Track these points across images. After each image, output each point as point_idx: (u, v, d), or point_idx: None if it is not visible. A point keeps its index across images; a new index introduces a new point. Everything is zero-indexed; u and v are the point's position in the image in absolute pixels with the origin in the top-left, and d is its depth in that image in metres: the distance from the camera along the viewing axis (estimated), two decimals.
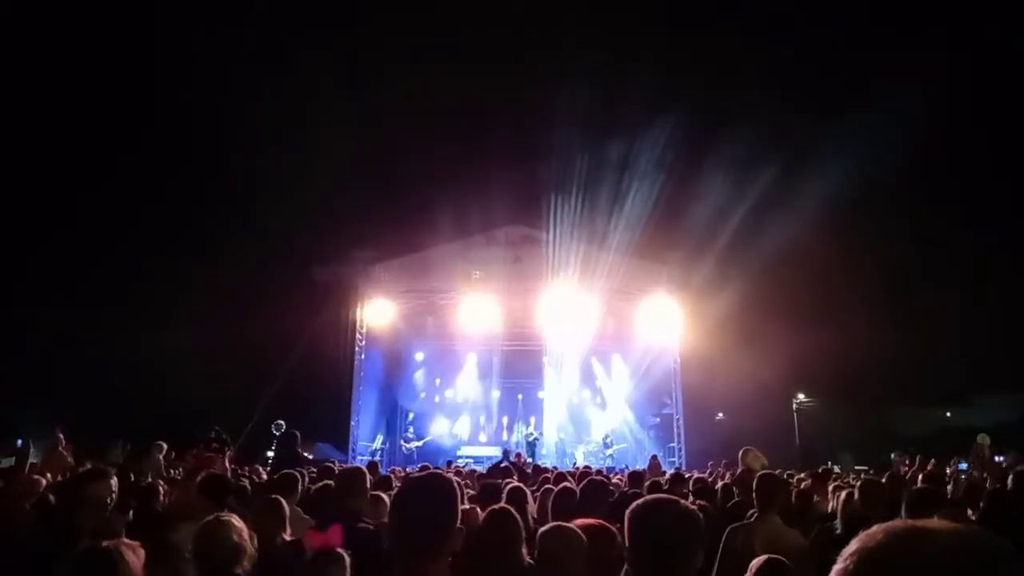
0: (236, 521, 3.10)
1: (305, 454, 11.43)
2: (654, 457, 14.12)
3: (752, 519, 4.25)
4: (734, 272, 20.01)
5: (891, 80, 21.43)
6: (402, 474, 10.19)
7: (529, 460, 16.89)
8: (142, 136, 22.62)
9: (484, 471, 10.86)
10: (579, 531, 2.99)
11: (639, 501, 2.29)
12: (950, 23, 20.65)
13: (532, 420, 22.63)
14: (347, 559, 2.95)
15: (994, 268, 23.48)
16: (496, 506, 3.64)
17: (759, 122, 20.15)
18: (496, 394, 23.19)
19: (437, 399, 24.20)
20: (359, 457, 19.61)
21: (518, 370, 23.13)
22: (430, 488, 2.13)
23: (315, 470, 8.53)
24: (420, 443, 22.03)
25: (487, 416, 23.38)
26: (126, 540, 2.81)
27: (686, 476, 8.77)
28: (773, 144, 20.59)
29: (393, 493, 3.38)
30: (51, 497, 4.63)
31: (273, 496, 4.44)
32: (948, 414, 26.82)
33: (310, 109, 22.26)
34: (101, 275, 20.88)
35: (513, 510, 3.53)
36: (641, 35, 24.58)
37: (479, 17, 22.05)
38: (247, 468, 9.88)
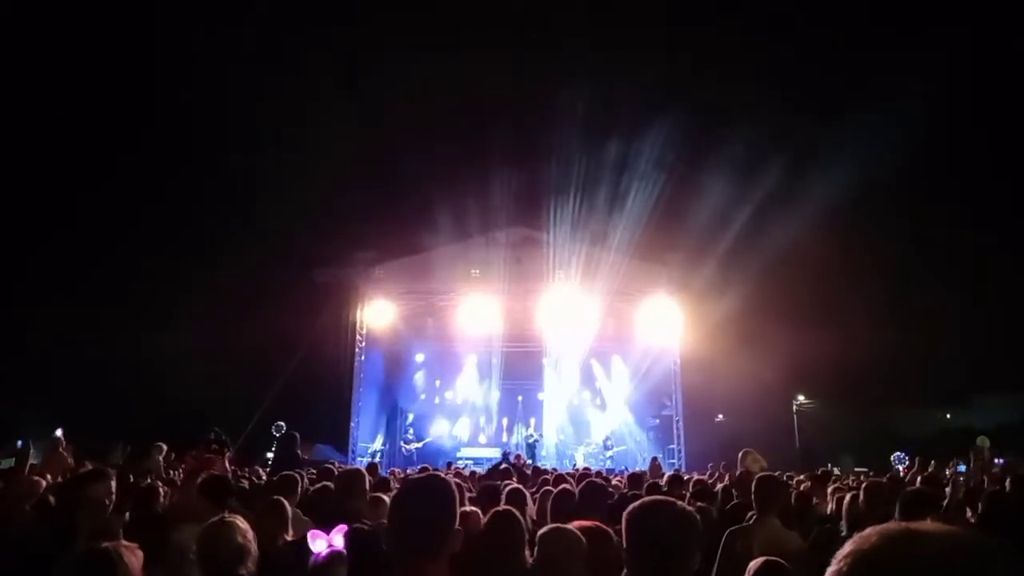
0: (240, 522, 3.11)
1: (304, 455, 11.42)
2: (654, 459, 14.10)
3: (751, 521, 4.25)
4: (734, 273, 20.04)
5: (891, 80, 21.47)
6: (402, 475, 10.20)
7: (529, 462, 16.88)
8: (142, 136, 22.66)
9: (484, 472, 10.85)
10: (578, 533, 3.00)
11: (637, 503, 2.29)
12: (950, 23, 20.66)
13: (532, 421, 22.63)
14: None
15: (994, 268, 23.51)
16: (500, 508, 3.64)
17: (759, 122, 20.20)
18: (496, 395, 23.16)
19: (437, 400, 24.18)
20: (359, 458, 19.60)
21: (518, 371, 23.11)
22: (429, 489, 2.13)
23: (315, 471, 8.53)
24: (420, 444, 22.02)
25: (487, 417, 23.36)
26: (124, 542, 2.81)
27: (685, 478, 8.77)
28: (773, 144, 20.63)
29: (392, 494, 3.38)
30: (51, 498, 4.64)
31: (275, 497, 4.47)
32: (948, 416, 26.82)
33: (310, 109, 22.32)
34: (101, 275, 20.91)
35: (516, 512, 3.53)
36: (641, 36, 24.62)
37: (479, 17, 22.10)
38: (247, 469, 9.88)
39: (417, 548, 1.99)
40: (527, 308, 21.34)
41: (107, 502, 3.69)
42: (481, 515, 4.04)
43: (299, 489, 5.81)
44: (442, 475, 2.34)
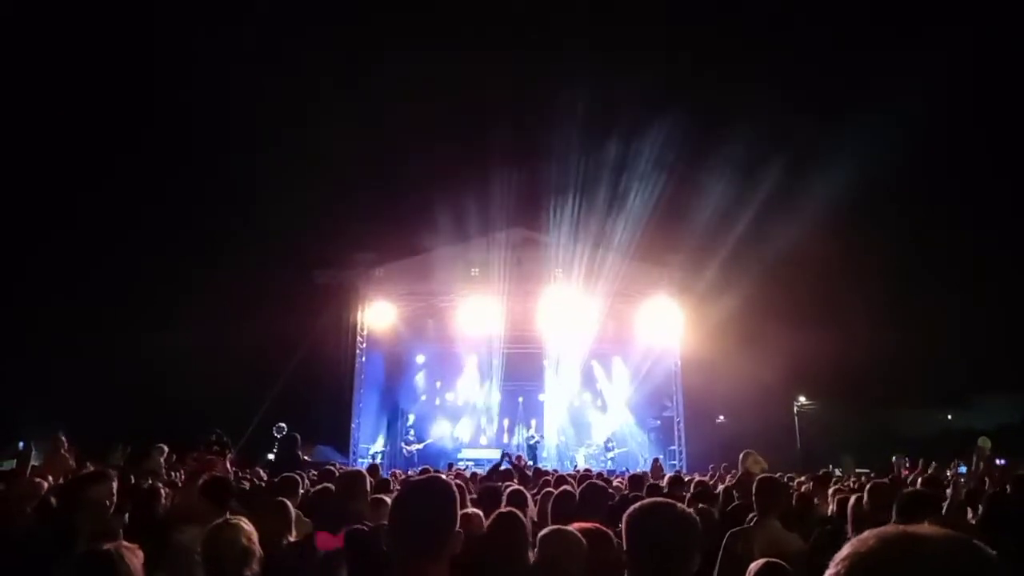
0: (245, 524, 3.13)
1: (304, 457, 11.43)
2: (656, 460, 14.11)
3: (752, 523, 4.25)
4: (735, 274, 20.03)
5: (891, 80, 21.46)
6: (402, 477, 10.19)
7: (530, 463, 16.88)
8: (142, 136, 22.66)
9: (485, 474, 10.85)
10: (578, 534, 3.00)
11: (637, 505, 2.30)
12: (950, 23, 20.66)
13: (533, 423, 22.63)
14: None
15: (994, 268, 23.49)
16: (503, 510, 3.65)
17: (759, 122, 20.20)
18: (497, 397, 23.15)
19: (438, 402, 24.18)
20: (360, 460, 19.60)
21: (519, 373, 23.11)
22: (430, 491, 2.15)
23: (315, 473, 8.53)
24: (421, 446, 22.03)
25: (488, 419, 23.36)
26: (125, 543, 2.81)
27: (686, 479, 8.77)
28: (773, 144, 20.64)
29: (393, 496, 3.39)
30: (52, 500, 4.63)
31: (279, 499, 4.51)
32: (949, 416, 26.81)
33: (310, 109, 22.32)
34: (101, 275, 20.90)
35: (520, 514, 3.53)
36: (641, 36, 24.62)
37: (479, 17, 22.10)
38: (247, 470, 9.87)
39: (418, 549, 2.00)
40: (528, 309, 21.34)
41: (108, 503, 3.69)
42: (483, 517, 4.04)
43: (300, 490, 5.83)
44: (443, 477, 2.35)
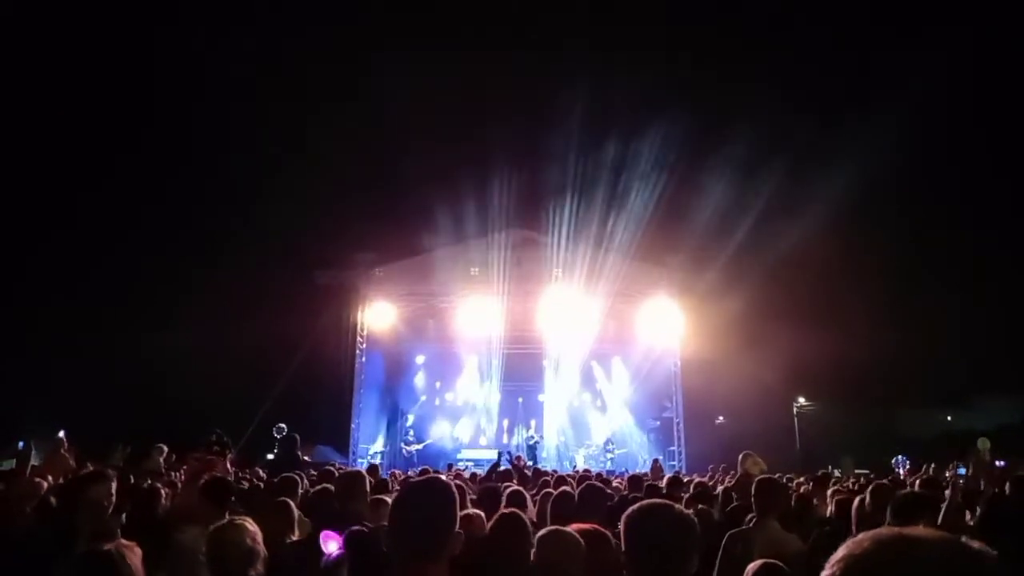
0: (250, 524, 3.14)
1: (304, 457, 11.45)
2: (656, 461, 14.12)
3: (751, 524, 4.25)
4: (734, 274, 20.02)
5: (891, 80, 21.47)
6: (402, 477, 10.20)
7: (530, 463, 16.89)
8: (142, 136, 22.65)
9: (484, 474, 10.86)
10: (576, 535, 3.00)
11: (635, 506, 2.30)
12: (950, 23, 20.66)
13: (532, 423, 22.64)
14: None
15: (994, 268, 23.47)
16: (506, 511, 3.65)
17: (759, 122, 20.19)
18: (496, 397, 23.16)
19: (437, 402, 24.19)
20: (359, 460, 19.60)
21: (519, 373, 23.11)
22: (430, 492, 2.16)
23: (315, 473, 8.54)
24: (421, 446, 22.03)
25: (487, 419, 23.36)
26: (123, 540, 2.82)
27: (685, 480, 8.78)
28: (773, 145, 20.62)
29: (393, 497, 3.39)
30: (52, 500, 4.64)
31: (282, 499, 4.55)
32: (949, 417, 26.79)
33: (310, 109, 22.31)
34: (101, 275, 20.89)
35: (523, 515, 3.54)
36: (641, 36, 24.62)
37: (479, 17, 22.10)
38: (247, 471, 9.88)
39: (417, 550, 2.01)
40: (527, 310, 21.34)
41: (106, 503, 3.70)
42: (484, 518, 4.04)
43: (299, 491, 5.85)
44: (443, 478, 2.36)
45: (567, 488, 5.22)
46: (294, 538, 4.24)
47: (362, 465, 16.47)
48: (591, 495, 4.45)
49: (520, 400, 23.88)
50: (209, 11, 20.54)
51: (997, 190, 23.51)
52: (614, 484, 9.21)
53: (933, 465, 9.82)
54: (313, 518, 4.70)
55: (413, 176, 21.61)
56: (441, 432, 23.19)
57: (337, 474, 6.30)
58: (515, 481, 7.59)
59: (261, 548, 3.08)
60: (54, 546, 3.42)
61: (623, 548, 2.26)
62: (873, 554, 0.90)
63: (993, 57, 21.81)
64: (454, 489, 2.16)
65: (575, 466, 18.80)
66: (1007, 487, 5.70)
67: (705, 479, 10.25)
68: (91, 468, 5.33)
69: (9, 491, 5.05)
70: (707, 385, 20.33)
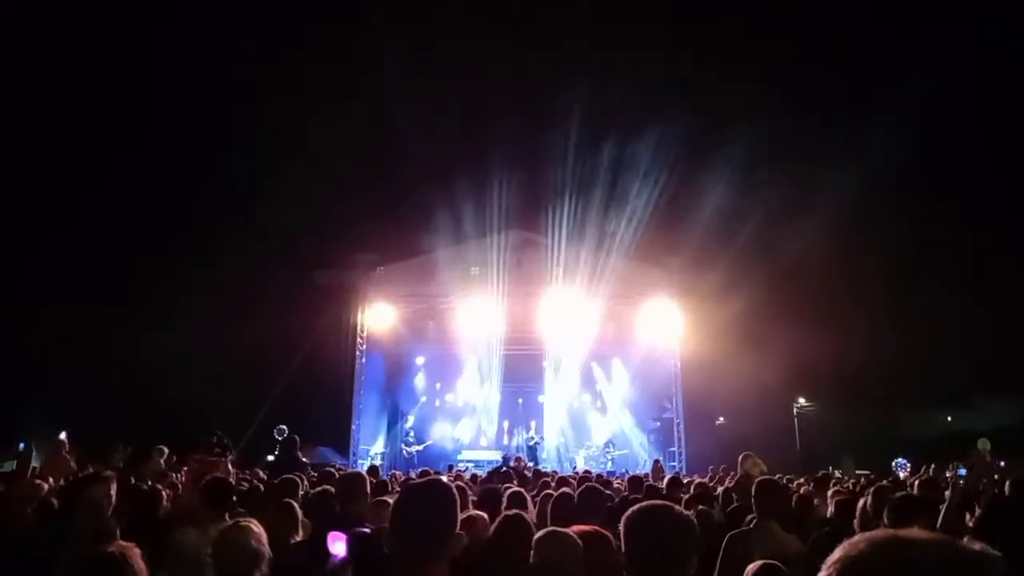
0: (255, 526, 3.16)
1: (304, 458, 11.45)
2: (656, 461, 14.14)
3: (751, 525, 4.26)
4: (734, 275, 20.01)
5: (891, 80, 21.47)
6: (402, 479, 10.20)
7: (530, 464, 16.90)
8: (142, 136, 22.65)
9: (485, 475, 10.86)
10: (574, 536, 3.00)
11: (635, 507, 2.31)
12: (950, 23, 20.66)
13: (533, 424, 22.62)
14: None
15: (994, 268, 23.46)
16: (509, 513, 3.66)
17: (759, 123, 20.16)
18: (497, 398, 23.14)
19: (438, 403, 24.17)
20: (360, 461, 19.60)
21: (519, 374, 23.10)
22: (430, 493, 2.17)
23: (315, 474, 8.54)
24: (421, 447, 22.03)
25: (488, 420, 23.36)
26: (122, 542, 2.83)
27: (685, 481, 8.79)
28: (773, 145, 20.64)
29: (394, 498, 3.40)
30: (53, 501, 4.65)
31: (286, 500, 4.58)
32: (949, 418, 26.78)
33: (310, 109, 22.31)
34: (101, 275, 20.89)
35: (526, 516, 3.54)
36: (641, 36, 24.62)
37: (479, 17, 22.09)
38: (247, 472, 9.88)
39: (418, 551, 2.02)
40: (527, 311, 21.34)
41: (105, 504, 3.71)
42: (487, 519, 4.05)
43: (299, 492, 5.86)
44: (443, 479, 2.36)
45: (567, 489, 5.23)
46: (298, 539, 4.26)
47: (362, 466, 16.48)
48: (591, 496, 4.45)
49: (520, 401, 23.88)
50: (209, 11, 20.55)
51: (997, 190, 23.51)
52: (614, 485, 9.21)
53: (933, 466, 9.82)
54: (313, 519, 4.71)
55: (413, 176, 21.61)
56: (441, 433, 23.18)
57: (337, 475, 6.30)
58: (515, 482, 7.59)
59: (266, 549, 3.09)
60: (54, 547, 3.43)
61: (623, 549, 2.26)
62: (868, 556, 0.91)
63: (993, 57, 21.83)
64: (455, 490, 2.17)
65: (575, 467, 18.82)
66: (1007, 488, 5.70)
67: (705, 480, 10.25)
68: (91, 469, 5.34)
69: (10, 492, 5.05)
70: (707, 386, 20.33)
